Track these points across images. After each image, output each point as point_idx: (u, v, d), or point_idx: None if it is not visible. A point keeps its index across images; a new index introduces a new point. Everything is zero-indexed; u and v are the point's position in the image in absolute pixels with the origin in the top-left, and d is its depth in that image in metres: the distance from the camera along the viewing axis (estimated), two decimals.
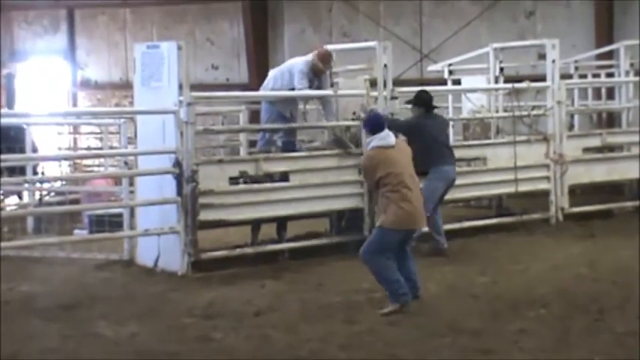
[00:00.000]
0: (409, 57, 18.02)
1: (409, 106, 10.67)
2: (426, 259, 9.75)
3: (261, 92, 11.38)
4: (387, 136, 8.19)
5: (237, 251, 9.98)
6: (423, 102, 10.45)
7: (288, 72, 10.98)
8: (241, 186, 10.01)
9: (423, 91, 10.62)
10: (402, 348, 6.91)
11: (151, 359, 6.82)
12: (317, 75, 10.97)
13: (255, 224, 10.39)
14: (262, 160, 10.03)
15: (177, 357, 6.85)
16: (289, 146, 10.80)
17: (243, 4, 19.86)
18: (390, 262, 7.92)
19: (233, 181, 9.95)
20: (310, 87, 10.88)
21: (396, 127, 10.21)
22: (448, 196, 10.81)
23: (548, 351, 6.77)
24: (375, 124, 8.32)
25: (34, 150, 12.87)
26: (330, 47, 12.03)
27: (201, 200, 9.53)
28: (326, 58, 11.01)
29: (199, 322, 7.74)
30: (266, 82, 11.24)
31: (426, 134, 10.25)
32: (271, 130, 10.84)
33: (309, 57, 11.02)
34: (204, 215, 9.57)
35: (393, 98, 10.92)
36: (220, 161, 10.13)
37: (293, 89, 10.81)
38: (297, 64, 11.01)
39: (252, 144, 14.89)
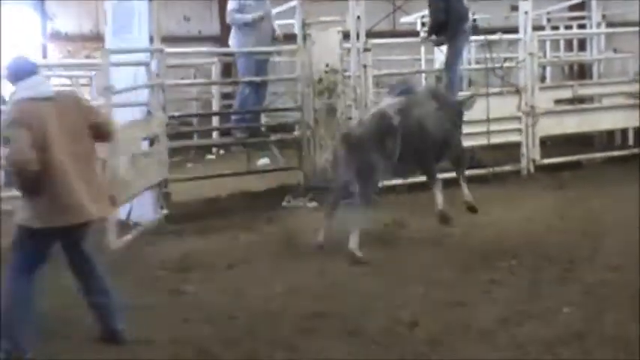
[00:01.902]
0: (381, 9, 17.90)
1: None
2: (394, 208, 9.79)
3: (230, 48, 11.85)
4: (41, 84, 5.65)
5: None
6: None
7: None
8: None
9: None
10: (375, 299, 6.95)
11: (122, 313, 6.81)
12: None
13: None
14: None
15: (149, 310, 6.84)
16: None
17: None
18: (32, 288, 5.82)
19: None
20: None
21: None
22: None
23: (519, 301, 6.84)
24: (17, 68, 5.65)
25: None
26: None
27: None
28: None
29: (172, 276, 7.75)
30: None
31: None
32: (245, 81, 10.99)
33: None
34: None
35: (366, 50, 10.88)
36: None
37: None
38: None
39: (224, 96, 14.79)
